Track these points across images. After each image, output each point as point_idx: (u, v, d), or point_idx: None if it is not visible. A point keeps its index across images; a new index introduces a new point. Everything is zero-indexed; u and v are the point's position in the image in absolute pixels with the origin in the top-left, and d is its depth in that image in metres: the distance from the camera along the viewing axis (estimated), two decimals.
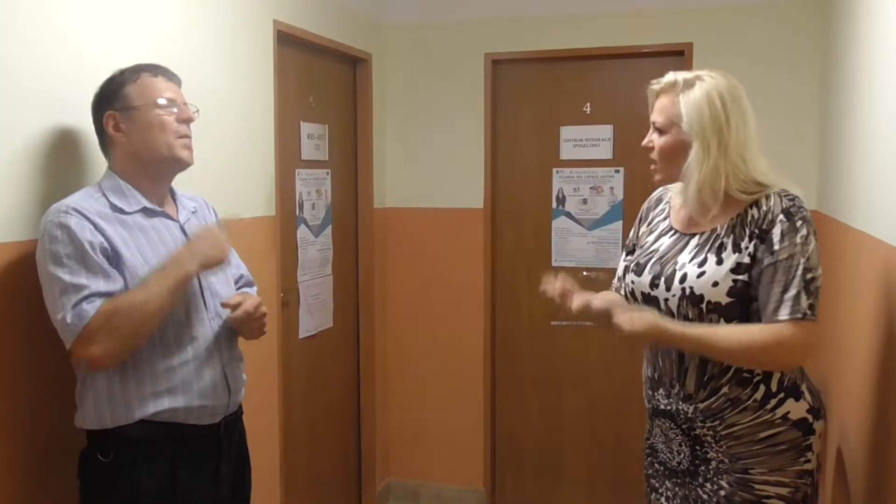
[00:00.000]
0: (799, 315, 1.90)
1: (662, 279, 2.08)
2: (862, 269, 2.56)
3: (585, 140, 4.23)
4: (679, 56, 3.93)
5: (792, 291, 1.91)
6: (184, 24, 2.73)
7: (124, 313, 1.89)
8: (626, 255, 2.33)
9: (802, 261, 1.92)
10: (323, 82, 3.88)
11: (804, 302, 1.91)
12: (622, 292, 2.28)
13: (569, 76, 4.25)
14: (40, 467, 2.10)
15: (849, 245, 2.82)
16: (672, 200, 2.24)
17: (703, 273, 2.01)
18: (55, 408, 2.10)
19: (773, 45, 3.84)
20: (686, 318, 2.03)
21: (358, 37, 4.07)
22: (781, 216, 1.95)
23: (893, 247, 2.12)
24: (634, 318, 1.98)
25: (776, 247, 1.94)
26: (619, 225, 4.18)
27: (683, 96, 2.04)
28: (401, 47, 4.40)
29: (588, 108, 4.21)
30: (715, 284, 1.99)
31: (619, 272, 2.32)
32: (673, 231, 2.17)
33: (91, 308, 1.87)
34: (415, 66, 4.39)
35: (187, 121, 2.10)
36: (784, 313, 1.91)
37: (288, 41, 3.46)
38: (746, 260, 1.98)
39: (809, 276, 1.92)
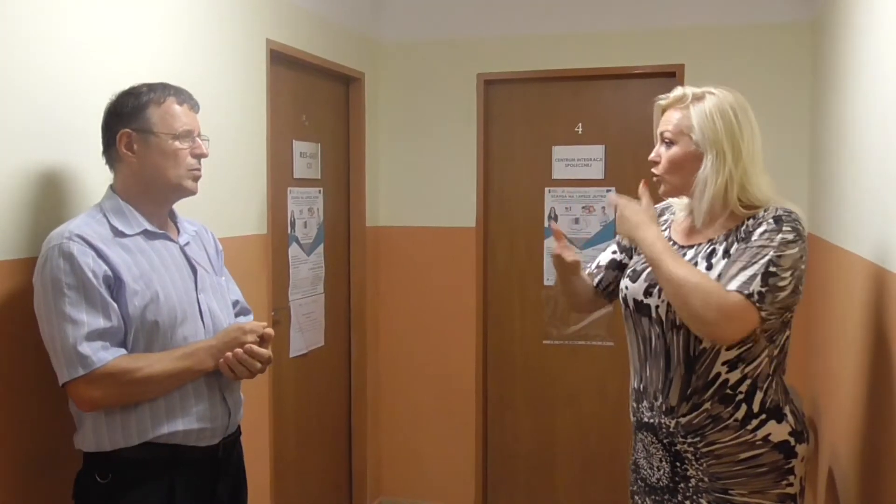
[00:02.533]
0: (746, 292, 1.88)
1: (656, 288, 2.08)
2: (852, 289, 2.56)
3: (577, 160, 4.24)
4: (671, 77, 3.95)
5: (749, 271, 1.90)
6: (176, 43, 2.74)
7: (136, 380, 1.90)
8: (619, 251, 2.39)
9: (772, 254, 1.91)
10: (316, 101, 3.89)
11: (756, 284, 1.89)
12: (596, 280, 2.40)
13: (561, 96, 4.27)
14: (37, 488, 2.08)
15: (839, 266, 2.83)
16: (675, 214, 2.25)
17: None
18: (53, 428, 2.08)
19: (764, 67, 3.86)
20: (673, 325, 2.03)
21: (351, 56, 4.09)
22: (770, 220, 1.96)
23: (883, 267, 2.13)
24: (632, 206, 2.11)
25: (753, 239, 1.94)
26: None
27: (694, 108, 2.05)
28: (394, 66, 4.42)
29: (580, 129, 4.23)
30: None
31: (601, 261, 2.41)
32: (672, 243, 2.17)
33: (101, 357, 1.87)
34: (408, 86, 4.41)
35: (200, 157, 2.09)
36: (733, 286, 1.90)
37: (281, 60, 3.47)
38: None
39: (773, 268, 1.90)
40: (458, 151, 4.34)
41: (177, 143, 2.03)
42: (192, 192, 2.11)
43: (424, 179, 4.42)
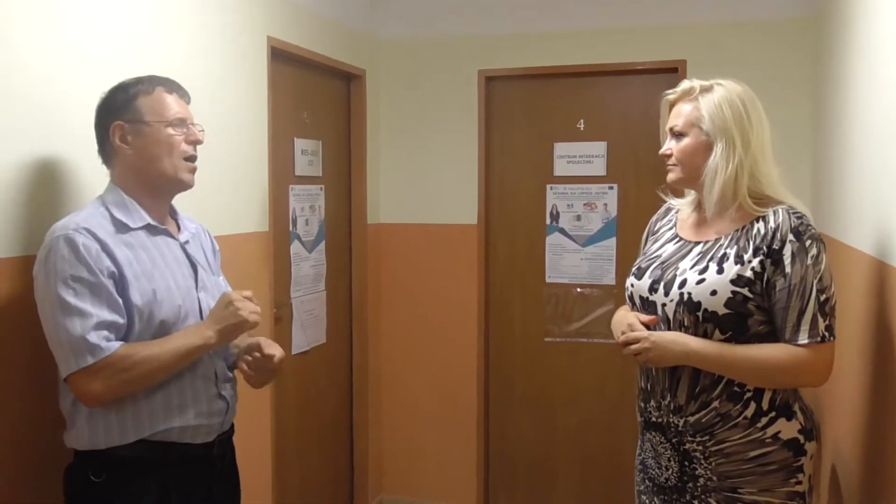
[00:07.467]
0: (818, 339, 1.93)
1: (662, 284, 2.08)
2: (855, 285, 2.55)
3: (579, 157, 4.23)
4: (672, 73, 3.94)
5: (808, 315, 1.93)
6: (177, 40, 2.73)
7: (137, 365, 1.87)
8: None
9: (815, 282, 1.94)
10: (316, 98, 3.89)
11: (821, 324, 1.94)
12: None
13: (562, 93, 4.26)
14: (29, 487, 2.06)
15: (842, 262, 2.82)
16: (680, 213, 2.26)
17: (702, 280, 2.01)
18: (44, 426, 2.06)
19: (767, 63, 3.85)
20: (681, 326, 2.03)
21: (352, 53, 4.08)
22: (791, 236, 1.96)
23: (884, 262, 2.13)
24: (666, 341, 2.02)
25: (788, 269, 1.95)
26: (612, 241, 4.18)
27: (703, 99, 2.07)
28: (395, 63, 4.41)
29: (582, 125, 4.22)
30: (713, 293, 1.99)
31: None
32: (678, 238, 2.18)
33: (108, 346, 1.84)
34: (409, 83, 4.40)
35: (195, 143, 2.08)
36: (803, 338, 1.94)
37: (282, 57, 3.46)
38: (749, 274, 1.98)
39: (823, 297, 1.94)
40: (460, 148, 4.33)
41: (170, 131, 2.02)
42: (189, 185, 2.10)
43: (426, 176, 4.41)
